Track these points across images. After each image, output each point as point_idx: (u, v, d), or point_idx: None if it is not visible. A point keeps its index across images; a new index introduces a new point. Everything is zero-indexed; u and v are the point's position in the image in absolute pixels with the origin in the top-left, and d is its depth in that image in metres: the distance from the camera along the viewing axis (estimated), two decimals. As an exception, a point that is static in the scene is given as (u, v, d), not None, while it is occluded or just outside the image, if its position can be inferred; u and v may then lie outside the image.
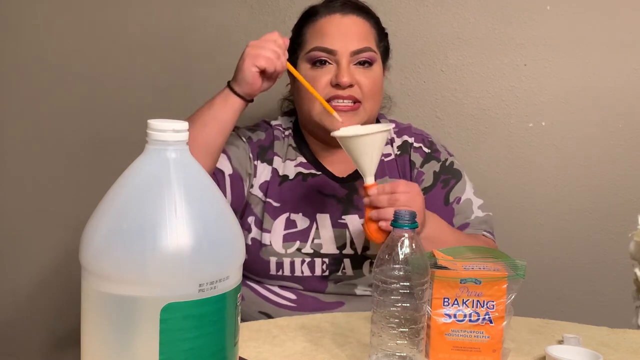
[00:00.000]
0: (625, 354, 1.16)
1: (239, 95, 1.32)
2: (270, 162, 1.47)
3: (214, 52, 1.88)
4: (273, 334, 1.17)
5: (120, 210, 0.73)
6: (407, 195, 1.24)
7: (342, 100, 1.40)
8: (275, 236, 1.41)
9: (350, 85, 1.40)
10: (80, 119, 1.94)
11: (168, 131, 0.74)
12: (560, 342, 1.16)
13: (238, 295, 0.77)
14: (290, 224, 1.42)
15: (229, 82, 1.33)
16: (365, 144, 1.26)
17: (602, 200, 1.82)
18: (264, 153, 1.48)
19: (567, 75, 1.80)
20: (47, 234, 1.98)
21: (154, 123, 0.75)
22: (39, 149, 1.97)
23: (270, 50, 1.29)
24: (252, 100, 1.34)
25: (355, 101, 1.41)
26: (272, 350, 1.10)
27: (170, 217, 0.71)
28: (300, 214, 1.43)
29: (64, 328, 2.01)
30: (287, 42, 1.35)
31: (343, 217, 1.44)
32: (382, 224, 1.23)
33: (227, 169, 1.42)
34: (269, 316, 1.41)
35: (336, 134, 1.29)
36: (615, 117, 1.80)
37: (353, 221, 1.44)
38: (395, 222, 1.03)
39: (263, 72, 1.30)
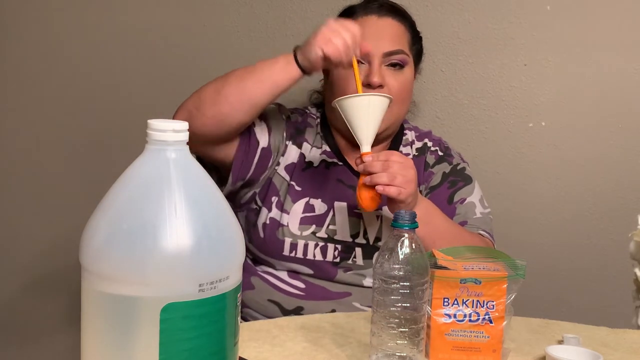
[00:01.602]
0: (625, 354, 1.16)
1: (300, 66, 1.32)
2: (300, 146, 1.50)
3: (214, 52, 1.88)
4: (273, 334, 1.17)
5: (120, 210, 0.73)
6: (401, 164, 1.27)
7: None
8: (293, 218, 1.44)
9: (380, 86, 1.42)
10: (80, 119, 1.94)
11: (168, 131, 0.74)
12: (560, 342, 1.16)
13: (238, 295, 0.77)
14: (308, 207, 1.45)
15: (296, 48, 1.33)
16: (361, 106, 1.28)
17: (602, 201, 1.82)
18: (297, 135, 1.51)
19: (567, 75, 1.80)
20: (47, 233, 1.98)
21: (154, 123, 0.75)
22: (39, 149, 1.97)
23: (343, 41, 1.28)
24: (310, 74, 1.35)
25: None
26: (272, 350, 1.10)
27: (170, 217, 0.71)
28: (320, 200, 1.46)
29: (64, 328, 2.01)
30: (361, 40, 1.33)
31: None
32: (379, 188, 1.25)
33: (264, 142, 1.45)
34: (278, 304, 1.43)
35: (335, 100, 1.31)
36: (615, 117, 1.80)
37: (369, 212, 1.45)
38: (395, 222, 1.03)
39: (327, 57, 1.29)
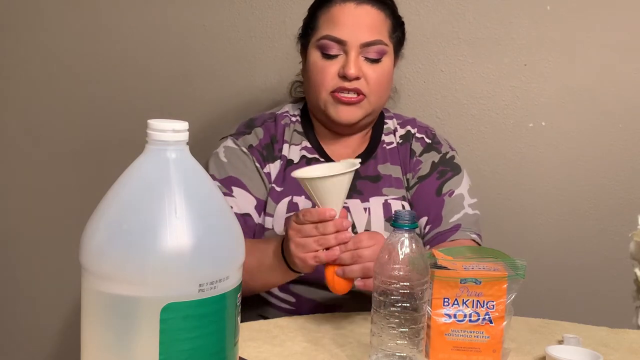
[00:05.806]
0: (625, 354, 1.16)
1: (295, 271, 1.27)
2: (279, 157, 1.47)
3: (214, 52, 1.88)
4: (273, 334, 1.17)
5: (120, 210, 0.73)
6: (371, 248, 1.16)
7: (346, 92, 1.40)
8: (277, 220, 1.42)
9: (357, 78, 1.39)
10: (80, 119, 1.94)
11: (168, 131, 0.74)
12: (560, 342, 1.16)
13: (238, 295, 0.77)
14: (293, 206, 1.43)
15: (283, 250, 1.25)
16: (325, 185, 1.17)
17: (602, 200, 1.82)
18: (269, 151, 1.48)
19: (567, 75, 1.80)
20: (47, 234, 1.98)
21: (154, 123, 0.75)
22: (39, 149, 1.97)
23: (320, 246, 1.18)
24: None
25: (360, 93, 1.41)
26: (272, 350, 1.10)
27: (170, 217, 0.71)
28: (303, 197, 1.43)
29: (64, 328, 2.01)
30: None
31: (345, 200, 1.44)
32: (359, 283, 1.18)
33: (251, 204, 1.42)
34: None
35: (296, 174, 1.19)
36: (615, 117, 1.80)
37: (354, 205, 1.44)
38: (395, 222, 1.03)
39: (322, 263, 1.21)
